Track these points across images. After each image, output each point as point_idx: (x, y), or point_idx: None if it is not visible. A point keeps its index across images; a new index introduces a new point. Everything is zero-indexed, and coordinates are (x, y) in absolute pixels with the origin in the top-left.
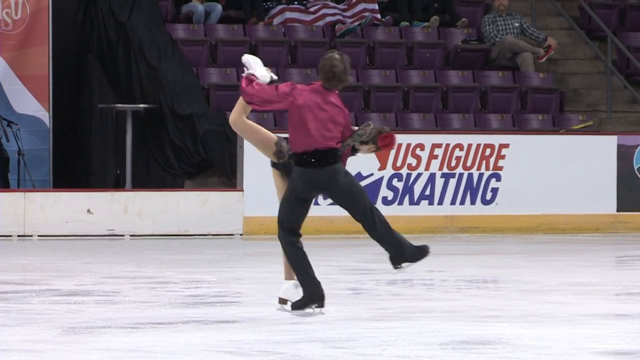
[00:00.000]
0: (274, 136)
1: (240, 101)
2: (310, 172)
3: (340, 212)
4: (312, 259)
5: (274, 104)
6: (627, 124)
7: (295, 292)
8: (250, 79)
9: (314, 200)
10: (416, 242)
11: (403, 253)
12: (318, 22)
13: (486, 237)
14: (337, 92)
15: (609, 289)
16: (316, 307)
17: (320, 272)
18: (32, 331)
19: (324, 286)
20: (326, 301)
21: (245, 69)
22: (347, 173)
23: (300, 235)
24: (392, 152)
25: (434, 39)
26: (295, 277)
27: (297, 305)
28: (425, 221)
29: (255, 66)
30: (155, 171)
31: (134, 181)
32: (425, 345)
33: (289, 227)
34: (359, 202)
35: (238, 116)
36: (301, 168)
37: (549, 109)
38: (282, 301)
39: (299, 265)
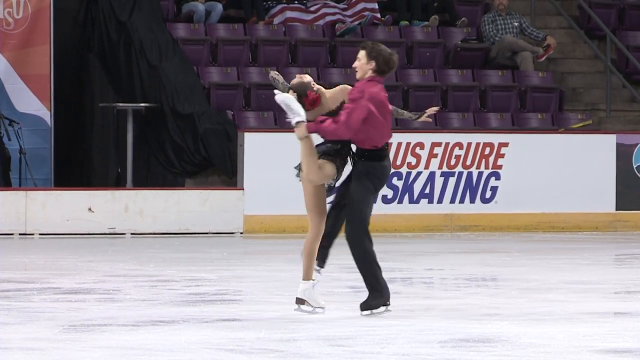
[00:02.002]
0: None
1: (309, 159)
2: (390, 163)
3: None
4: None
5: (357, 120)
6: (626, 122)
7: (313, 292)
8: (321, 121)
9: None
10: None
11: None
12: (318, 21)
13: (485, 236)
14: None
15: (608, 287)
16: (387, 304)
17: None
18: (34, 329)
19: (324, 284)
20: (326, 299)
21: (286, 114)
22: None
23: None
24: (392, 151)
25: (434, 38)
26: (312, 277)
27: (371, 305)
28: (424, 219)
29: (293, 108)
30: (156, 170)
31: (135, 180)
32: (424, 343)
33: (367, 224)
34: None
35: (317, 171)
36: (387, 161)
37: (548, 108)
38: (300, 301)
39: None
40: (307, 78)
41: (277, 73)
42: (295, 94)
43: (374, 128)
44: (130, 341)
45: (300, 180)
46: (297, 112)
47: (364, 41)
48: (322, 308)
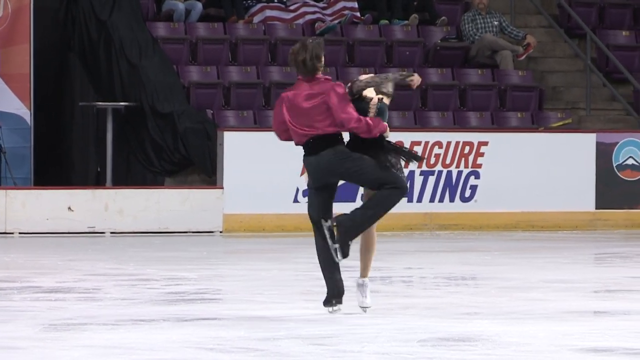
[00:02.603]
0: None
1: None
2: (310, 160)
3: None
4: (292, 256)
5: (279, 127)
6: (606, 121)
7: (357, 290)
8: None
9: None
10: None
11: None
12: (298, 20)
13: (465, 235)
14: (320, 76)
15: (588, 286)
16: (334, 303)
17: (300, 269)
18: (14, 328)
19: (304, 283)
20: (306, 298)
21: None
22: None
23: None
24: None
25: (414, 37)
26: (367, 275)
27: (324, 302)
28: (404, 219)
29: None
30: (136, 169)
31: (115, 179)
32: (405, 342)
33: (313, 219)
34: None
35: None
36: (305, 157)
37: (528, 107)
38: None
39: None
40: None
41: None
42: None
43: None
44: (111, 340)
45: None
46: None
47: (349, 42)
48: (367, 307)
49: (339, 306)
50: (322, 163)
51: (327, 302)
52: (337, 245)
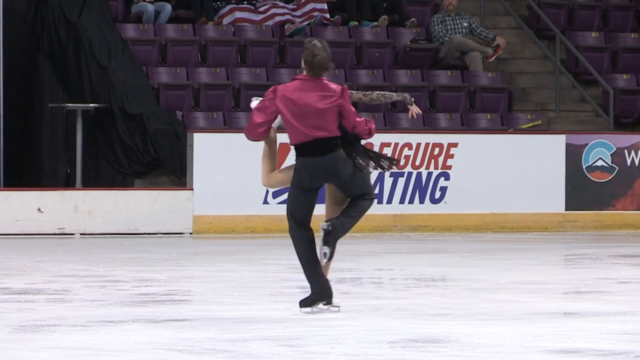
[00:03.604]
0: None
1: (262, 163)
2: (315, 161)
3: None
4: (261, 257)
5: (268, 118)
6: (576, 123)
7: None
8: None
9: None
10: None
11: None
12: (267, 21)
13: (435, 236)
14: (324, 78)
15: (557, 287)
16: (324, 304)
17: (269, 270)
18: None
19: (273, 284)
20: (275, 300)
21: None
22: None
23: (310, 230)
24: None
25: (383, 39)
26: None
27: (306, 303)
28: (374, 220)
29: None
30: (106, 170)
31: (84, 180)
32: (374, 344)
33: (298, 219)
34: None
35: (266, 176)
36: (305, 158)
37: (497, 108)
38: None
39: (308, 259)
40: None
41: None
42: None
43: (286, 126)
44: (80, 341)
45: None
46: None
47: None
48: (337, 307)
49: (328, 307)
50: (327, 165)
51: (312, 303)
52: (327, 248)
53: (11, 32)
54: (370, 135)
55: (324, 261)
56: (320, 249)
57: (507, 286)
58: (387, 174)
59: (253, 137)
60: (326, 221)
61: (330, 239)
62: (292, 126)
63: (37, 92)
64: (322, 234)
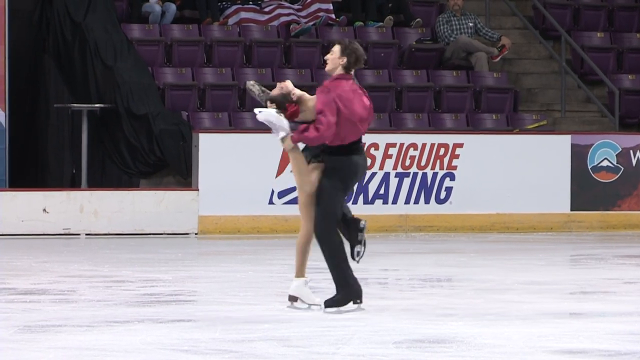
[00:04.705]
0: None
1: (301, 175)
2: (362, 159)
3: (294, 211)
4: (267, 257)
5: (334, 120)
6: (581, 123)
7: (305, 289)
8: (303, 130)
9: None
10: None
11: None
12: (273, 22)
13: (440, 236)
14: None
15: (563, 287)
16: (356, 302)
17: (275, 270)
18: None
19: (279, 285)
20: (280, 300)
21: (272, 130)
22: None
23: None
24: None
25: (388, 39)
26: (305, 275)
27: (337, 301)
28: (379, 220)
29: (276, 124)
30: (111, 170)
31: (90, 180)
32: (379, 344)
33: (338, 219)
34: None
35: (309, 183)
36: (356, 156)
37: (503, 109)
38: (293, 299)
39: (341, 259)
40: (288, 86)
41: (253, 83)
42: (273, 104)
43: (340, 126)
44: (85, 342)
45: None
46: (280, 127)
47: (324, 44)
48: (317, 305)
49: (358, 305)
50: (366, 163)
51: (344, 302)
52: (360, 248)
53: (17, 33)
54: (315, 141)
55: (356, 259)
56: (354, 247)
57: (513, 286)
58: (392, 174)
59: (330, 136)
60: (360, 220)
61: (364, 239)
62: (351, 124)
63: (43, 92)
64: (359, 234)
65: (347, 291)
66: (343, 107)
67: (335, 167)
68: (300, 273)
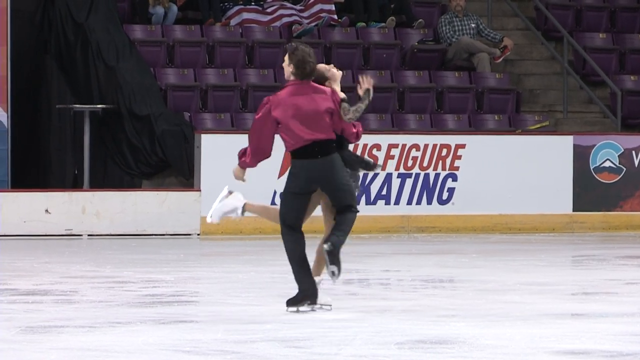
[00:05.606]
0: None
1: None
2: (311, 163)
3: None
4: (269, 258)
5: (265, 134)
6: (583, 124)
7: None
8: (241, 155)
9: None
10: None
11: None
12: (275, 22)
13: (442, 237)
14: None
15: (565, 288)
16: (309, 304)
17: (277, 271)
18: None
19: (281, 286)
20: (284, 300)
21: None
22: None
23: (300, 232)
24: None
25: (391, 40)
26: (322, 274)
27: (293, 302)
28: (381, 221)
29: (229, 207)
30: (113, 171)
31: (92, 181)
32: (381, 345)
33: (289, 223)
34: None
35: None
36: (300, 160)
37: (505, 110)
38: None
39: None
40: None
41: (347, 107)
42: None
43: (284, 132)
44: (87, 342)
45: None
46: (234, 204)
47: (326, 44)
48: (329, 305)
49: (312, 306)
50: (326, 167)
51: (298, 302)
52: (334, 267)
53: (19, 34)
54: (357, 138)
55: (334, 279)
56: (328, 268)
57: (515, 287)
58: (394, 174)
59: (257, 161)
60: (326, 242)
61: (335, 258)
62: (291, 131)
63: (45, 93)
64: (326, 256)
65: (302, 290)
66: (283, 113)
67: (290, 172)
68: (316, 272)
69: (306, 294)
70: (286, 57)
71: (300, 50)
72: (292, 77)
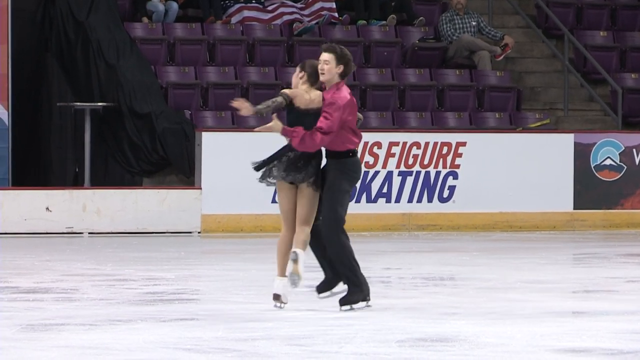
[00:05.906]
0: None
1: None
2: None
3: None
4: (270, 256)
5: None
6: (584, 122)
7: (287, 288)
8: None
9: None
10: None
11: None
12: (276, 20)
13: (443, 235)
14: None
15: (566, 286)
16: (367, 301)
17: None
18: None
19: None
20: (284, 298)
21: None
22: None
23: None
24: None
25: (391, 38)
26: (287, 274)
27: (348, 301)
28: (382, 219)
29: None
30: (114, 169)
31: (93, 179)
32: (382, 343)
33: (343, 223)
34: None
35: None
36: (357, 159)
37: (506, 107)
38: (277, 297)
39: (352, 260)
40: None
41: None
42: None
43: (347, 132)
44: (88, 340)
45: (267, 185)
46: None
47: (327, 42)
48: (284, 304)
49: (367, 303)
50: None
51: (357, 301)
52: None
53: (20, 32)
54: (306, 148)
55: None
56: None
57: (516, 285)
58: (395, 172)
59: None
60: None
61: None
62: (354, 131)
63: (46, 91)
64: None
65: (357, 290)
66: (348, 114)
67: (343, 170)
68: (282, 272)
69: (366, 293)
70: (332, 58)
71: (347, 51)
72: (337, 79)
